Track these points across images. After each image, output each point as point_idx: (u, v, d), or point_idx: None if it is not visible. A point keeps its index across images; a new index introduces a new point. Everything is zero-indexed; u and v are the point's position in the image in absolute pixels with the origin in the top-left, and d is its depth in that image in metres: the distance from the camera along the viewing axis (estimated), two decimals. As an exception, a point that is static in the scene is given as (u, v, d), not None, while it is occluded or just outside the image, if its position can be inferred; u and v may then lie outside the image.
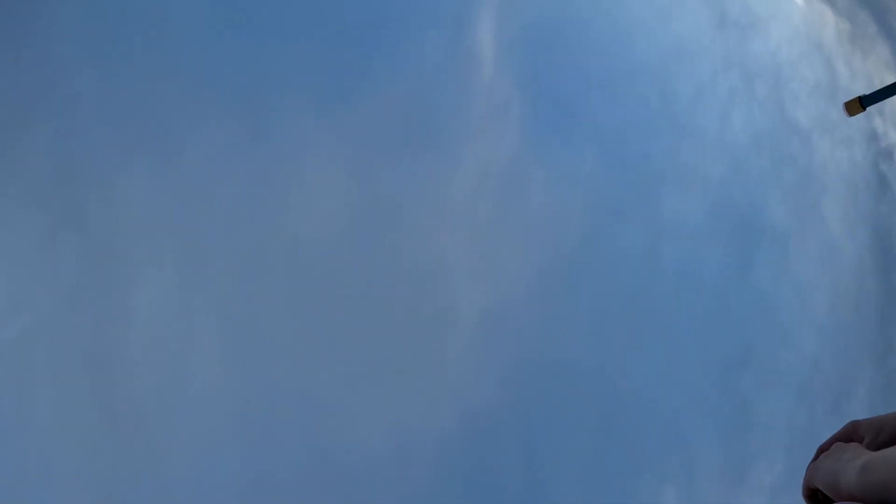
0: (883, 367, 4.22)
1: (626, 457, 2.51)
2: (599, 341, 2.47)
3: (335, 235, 2.07)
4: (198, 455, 1.75)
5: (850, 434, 0.57)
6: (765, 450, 2.97)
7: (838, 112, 4.40)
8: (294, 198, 1.94)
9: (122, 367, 1.60)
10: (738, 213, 2.94)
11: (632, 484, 2.53)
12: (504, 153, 2.41)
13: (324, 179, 1.99)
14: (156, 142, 1.64)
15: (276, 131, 1.87)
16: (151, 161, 1.63)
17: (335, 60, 1.97)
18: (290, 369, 2.06)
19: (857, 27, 5.09)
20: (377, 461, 2.27)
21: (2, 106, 1.38)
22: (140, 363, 1.62)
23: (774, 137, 3.52)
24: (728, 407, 2.81)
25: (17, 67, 1.40)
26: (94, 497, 1.52)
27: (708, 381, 2.76)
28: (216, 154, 1.75)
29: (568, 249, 2.42)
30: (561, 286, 2.41)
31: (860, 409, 3.96)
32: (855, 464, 0.43)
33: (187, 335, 1.72)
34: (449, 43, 2.23)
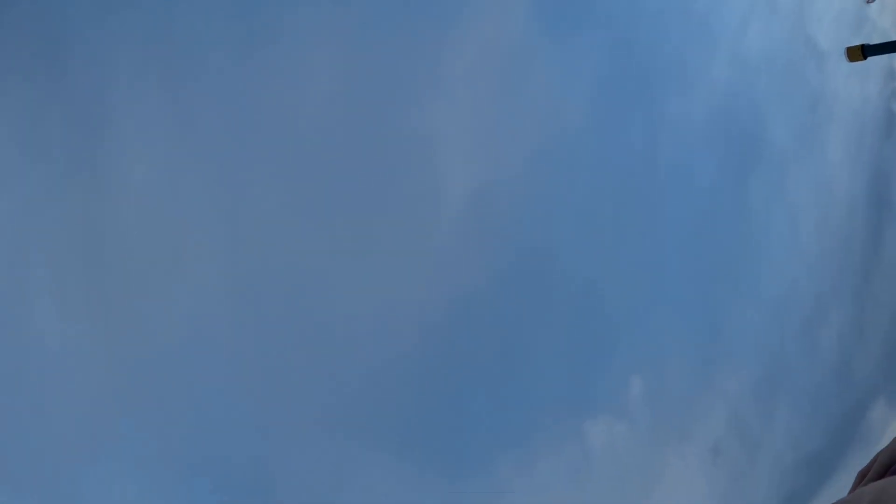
0: (857, 301, 4.32)
1: (601, 344, 2.60)
2: (587, 231, 2.50)
3: (329, 106, 2.04)
4: (190, 321, 1.79)
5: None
6: (731, 357, 3.08)
7: (859, 42, 4.27)
8: (288, 67, 1.90)
9: (115, 236, 1.61)
10: (740, 124, 2.91)
11: (603, 369, 2.64)
12: (511, 32, 2.35)
13: (319, 49, 1.95)
14: (145, 12, 1.59)
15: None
16: (141, 31, 1.58)
17: None
18: (280, 239, 2.08)
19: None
20: (360, 334, 2.33)
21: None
22: (133, 232, 1.63)
23: (790, 55, 3.44)
24: (702, 311, 2.89)
25: None
26: (90, 364, 1.57)
27: (686, 284, 2.82)
28: (209, 23, 1.70)
29: (566, 135, 2.41)
30: (555, 172, 2.41)
31: (829, 337, 4.08)
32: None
33: (179, 204, 1.72)
34: None
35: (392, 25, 2.14)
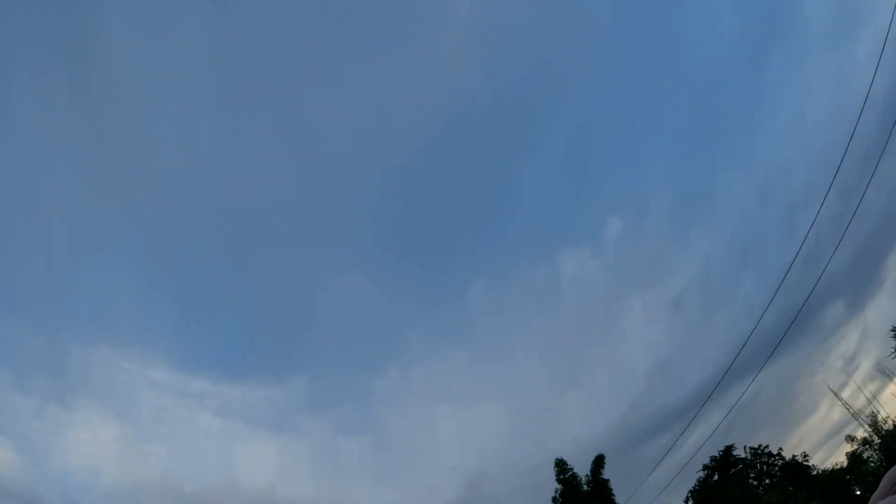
0: (845, 202, 4.48)
1: (588, 179, 2.78)
2: (593, 64, 2.59)
3: None
4: (180, 158, 1.89)
5: None
6: (710, 220, 3.29)
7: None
8: None
9: (104, 69, 1.65)
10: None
11: (586, 206, 2.85)
12: None
13: None
14: None
15: None
16: None
17: None
18: (282, 38, 2.11)
19: None
20: (361, 144, 2.46)
21: None
22: (121, 65, 1.67)
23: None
24: (693, 169, 3.05)
25: None
26: (82, 197, 1.67)
27: (684, 138, 2.95)
28: None
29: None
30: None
31: (806, 228, 4.28)
32: None
33: (171, 39, 1.74)
34: None
35: None
